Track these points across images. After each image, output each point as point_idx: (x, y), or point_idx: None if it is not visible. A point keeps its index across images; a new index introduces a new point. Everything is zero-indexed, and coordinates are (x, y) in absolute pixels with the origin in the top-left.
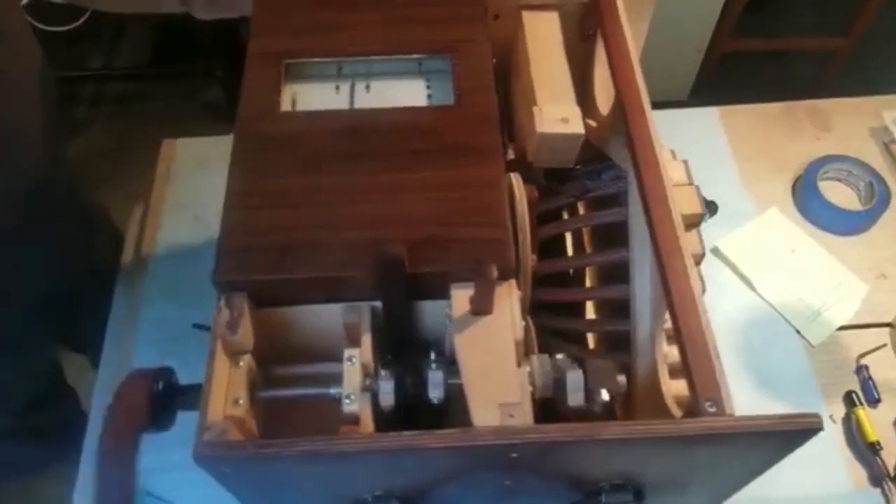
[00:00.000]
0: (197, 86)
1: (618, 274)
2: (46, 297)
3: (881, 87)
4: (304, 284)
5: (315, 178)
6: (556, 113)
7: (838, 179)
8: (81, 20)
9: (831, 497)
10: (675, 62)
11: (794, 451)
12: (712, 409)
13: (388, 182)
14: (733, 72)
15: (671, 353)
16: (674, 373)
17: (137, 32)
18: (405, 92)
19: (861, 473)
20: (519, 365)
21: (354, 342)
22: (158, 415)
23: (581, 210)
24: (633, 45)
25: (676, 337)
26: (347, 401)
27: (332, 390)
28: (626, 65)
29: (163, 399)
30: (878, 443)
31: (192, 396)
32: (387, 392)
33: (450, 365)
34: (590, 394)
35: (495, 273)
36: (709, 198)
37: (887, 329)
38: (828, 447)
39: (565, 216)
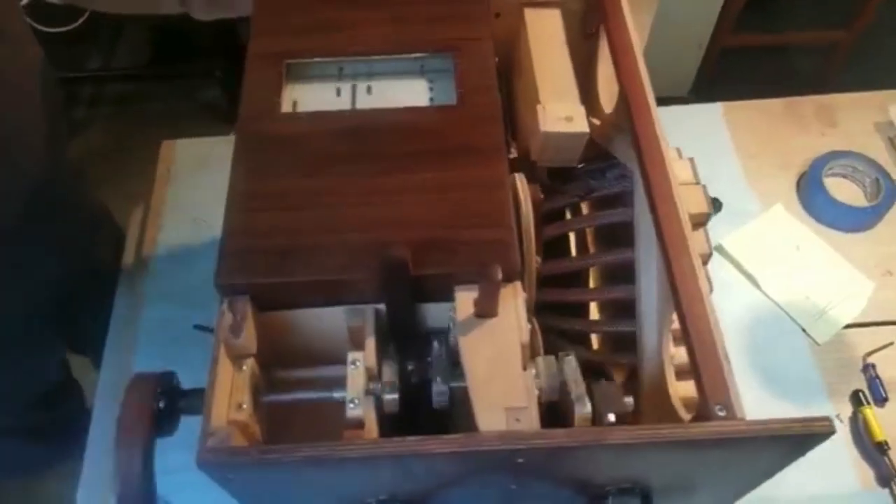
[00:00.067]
0: (196, 86)
1: (622, 274)
2: (47, 297)
3: (884, 81)
4: (306, 288)
5: (317, 179)
6: (559, 111)
7: (844, 175)
8: (80, 21)
9: (838, 497)
10: (677, 58)
11: (804, 454)
12: (722, 413)
13: (390, 183)
14: (734, 67)
15: (678, 353)
16: (680, 374)
17: (136, 33)
18: (407, 92)
19: (868, 473)
20: (525, 368)
21: (358, 345)
22: (162, 420)
23: (584, 209)
24: (637, 40)
25: (685, 338)
26: (351, 405)
27: (336, 394)
28: (630, 60)
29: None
30: (886, 442)
31: (195, 401)
32: (391, 399)
33: (454, 367)
34: (597, 417)
35: (500, 275)
36: (712, 195)
37: (894, 327)
38: (835, 447)
39: (568, 216)
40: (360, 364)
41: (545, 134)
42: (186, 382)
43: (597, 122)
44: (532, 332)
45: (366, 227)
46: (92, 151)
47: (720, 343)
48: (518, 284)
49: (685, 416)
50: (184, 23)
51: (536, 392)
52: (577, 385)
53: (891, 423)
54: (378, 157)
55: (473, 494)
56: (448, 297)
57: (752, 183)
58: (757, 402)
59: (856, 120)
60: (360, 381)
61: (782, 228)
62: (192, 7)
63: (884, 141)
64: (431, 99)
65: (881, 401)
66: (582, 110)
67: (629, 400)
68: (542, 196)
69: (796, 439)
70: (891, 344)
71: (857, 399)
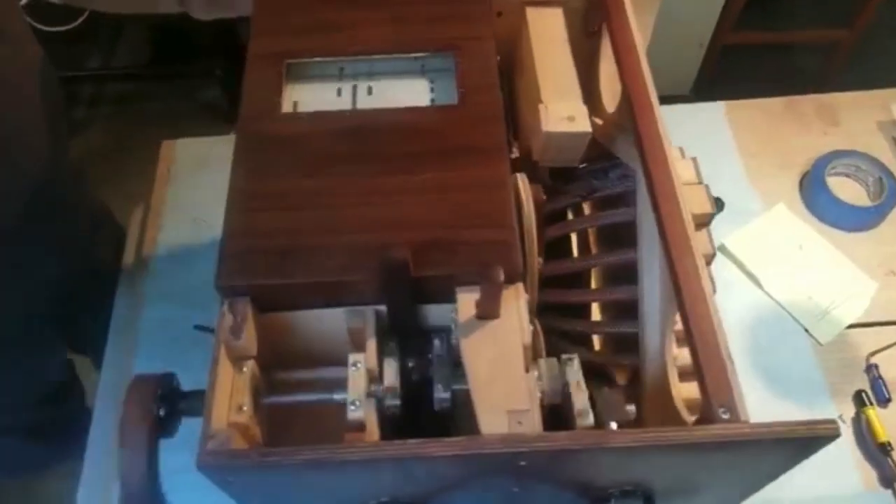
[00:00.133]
0: (196, 86)
1: (624, 275)
2: (47, 297)
3: (886, 80)
4: (306, 289)
5: (317, 180)
6: (561, 111)
7: (846, 175)
8: (80, 20)
9: (841, 498)
10: (678, 56)
11: (808, 457)
12: (725, 416)
13: (391, 184)
14: (736, 65)
15: (681, 354)
16: (683, 375)
17: (136, 33)
18: (408, 92)
19: (871, 474)
20: (527, 370)
21: (359, 347)
22: (162, 422)
23: (587, 210)
24: (640, 39)
25: (688, 339)
26: (352, 407)
27: (337, 396)
28: (633, 59)
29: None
30: (889, 443)
31: (195, 402)
32: (394, 404)
33: (456, 368)
34: (600, 425)
35: (502, 276)
36: (714, 195)
37: None
38: (837, 448)
39: (570, 216)
40: (360, 366)
41: (547, 134)
42: (186, 383)
43: (599, 121)
44: (534, 334)
45: (366, 227)
46: (92, 151)
47: (723, 344)
48: (520, 286)
49: (688, 417)
50: (184, 22)
51: (539, 394)
52: (579, 392)
53: (894, 423)
54: (379, 157)
55: (475, 497)
56: (449, 298)
57: (754, 182)
58: (759, 402)
59: (858, 119)
60: (360, 383)
61: (785, 228)
62: (191, 7)
63: (887, 140)
64: (432, 99)
65: (884, 401)
66: (584, 110)
67: (631, 408)
68: (543, 196)
69: (801, 442)
70: (894, 344)
71: (860, 400)
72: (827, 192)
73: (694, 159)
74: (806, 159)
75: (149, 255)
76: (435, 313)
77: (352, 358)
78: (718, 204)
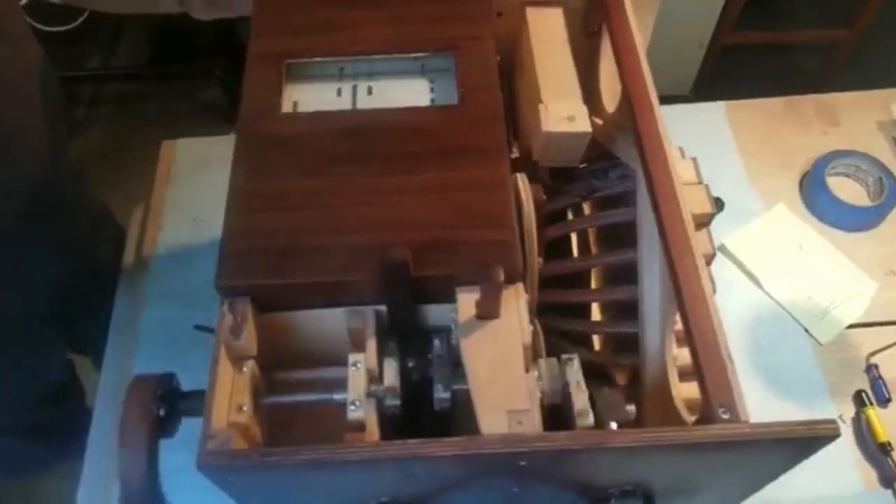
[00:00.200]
0: (195, 86)
1: (624, 275)
2: (47, 297)
3: (886, 80)
4: (306, 289)
5: (317, 180)
6: (562, 111)
7: (847, 175)
8: (80, 20)
9: (841, 498)
10: (678, 56)
11: (808, 457)
12: (725, 416)
13: (391, 184)
14: (736, 65)
15: (681, 354)
16: (683, 375)
17: (136, 32)
18: (408, 92)
19: (871, 474)
20: (527, 370)
21: (359, 347)
22: (162, 422)
23: (587, 210)
24: (640, 39)
25: (688, 339)
26: (352, 407)
27: (337, 396)
28: (633, 59)
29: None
30: (889, 443)
31: (195, 402)
32: (394, 404)
33: (456, 368)
34: (600, 425)
35: (502, 276)
36: (714, 194)
37: None
38: (837, 448)
39: (570, 216)
40: (360, 366)
41: (547, 134)
42: (186, 383)
43: (599, 121)
44: (534, 334)
45: (366, 227)
46: (92, 151)
47: (723, 344)
48: (520, 286)
49: (688, 417)
50: (184, 22)
51: (539, 394)
52: (579, 392)
53: (894, 423)
54: (379, 157)
55: (475, 497)
56: (449, 298)
57: (753, 182)
58: (759, 402)
59: (858, 119)
60: (360, 383)
61: (785, 228)
62: (191, 7)
63: (887, 140)
64: (432, 99)
65: (884, 401)
66: (584, 110)
67: (631, 408)
68: (544, 196)
69: (801, 442)
70: (894, 344)
71: (860, 400)
72: (827, 192)
73: (694, 159)
74: (806, 159)
75: (149, 255)
76: (435, 313)
77: (352, 358)
78: (718, 204)
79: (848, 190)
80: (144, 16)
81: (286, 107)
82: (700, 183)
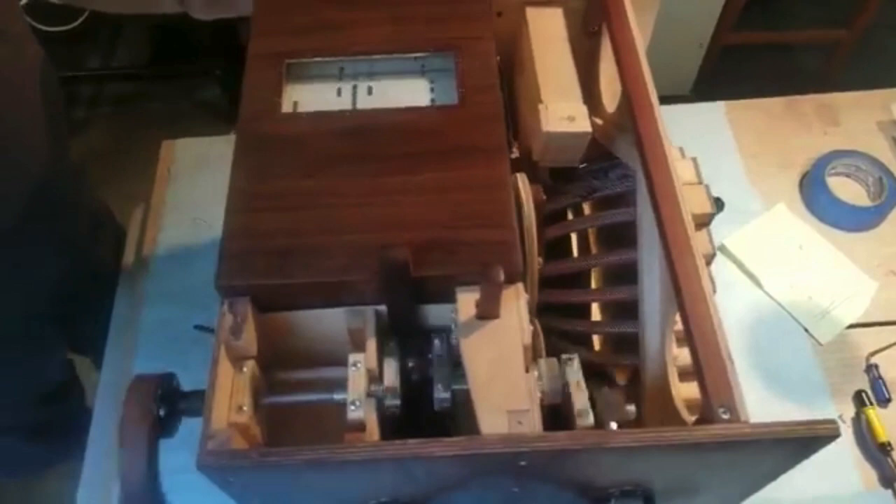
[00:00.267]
0: (195, 85)
1: (624, 275)
2: (47, 297)
3: (886, 80)
4: (306, 289)
5: (317, 180)
6: (562, 111)
7: (847, 175)
8: (80, 20)
9: (841, 498)
10: (678, 56)
11: (808, 457)
12: (726, 416)
13: (391, 184)
14: (736, 65)
15: (681, 355)
16: (684, 375)
17: (136, 33)
18: (408, 92)
19: (871, 474)
20: (527, 370)
21: (359, 347)
22: (162, 422)
23: (587, 210)
24: (640, 39)
25: (688, 339)
26: (352, 407)
27: (337, 396)
28: (633, 59)
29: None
30: (889, 443)
31: (195, 402)
32: (394, 404)
33: (456, 368)
34: (600, 425)
35: (502, 276)
36: (714, 194)
37: None
38: (838, 448)
39: (570, 216)
40: (360, 366)
41: (547, 134)
42: (186, 383)
43: (599, 121)
44: (534, 334)
45: (366, 227)
46: (92, 151)
47: (724, 344)
48: (520, 286)
49: (688, 417)
50: (184, 22)
51: (539, 395)
52: (579, 392)
53: (894, 423)
54: (379, 157)
55: (475, 497)
56: (449, 298)
57: (754, 182)
58: (759, 402)
59: (858, 119)
60: (361, 383)
61: (785, 228)
62: (191, 6)
63: (887, 140)
64: (432, 99)
65: (884, 401)
66: (584, 110)
67: (631, 408)
68: (543, 196)
69: (801, 442)
70: (894, 344)
71: (860, 400)
72: (827, 192)
73: (694, 159)
74: (806, 159)
75: (149, 255)
76: (435, 313)
77: (352, 358)
78: (718, 204)
79: (848, 190)
80: (144, 16)
81: (286, 107)
82: (700, 183)
